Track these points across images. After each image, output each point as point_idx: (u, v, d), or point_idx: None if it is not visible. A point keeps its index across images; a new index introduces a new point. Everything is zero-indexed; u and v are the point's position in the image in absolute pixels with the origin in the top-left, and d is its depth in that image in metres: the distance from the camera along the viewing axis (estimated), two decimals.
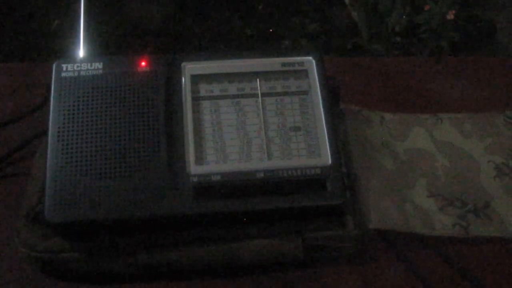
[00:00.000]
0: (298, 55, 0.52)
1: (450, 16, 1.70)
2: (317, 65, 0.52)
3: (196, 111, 0.49)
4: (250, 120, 0.50)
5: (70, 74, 0.49)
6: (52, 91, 0.49)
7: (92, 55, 0.54)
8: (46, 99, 0.49)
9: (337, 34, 1.84)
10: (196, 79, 0.51)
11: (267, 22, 1.85)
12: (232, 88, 0.51)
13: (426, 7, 1.72)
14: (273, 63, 0.52)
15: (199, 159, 0.48)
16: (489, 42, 1.77)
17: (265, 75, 0.51)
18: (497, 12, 1.82)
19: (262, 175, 0.47)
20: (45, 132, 0.49)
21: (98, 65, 0.50)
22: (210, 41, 1.70)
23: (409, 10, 1.75)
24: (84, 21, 0.56)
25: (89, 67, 0.50)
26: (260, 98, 0.50)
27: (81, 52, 0.54)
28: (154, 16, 1.69)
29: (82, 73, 0.49)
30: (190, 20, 1.77)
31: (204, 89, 0.50)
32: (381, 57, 1.61)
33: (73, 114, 0.48)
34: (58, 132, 0.47)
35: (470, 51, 1.73)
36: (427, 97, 0.68)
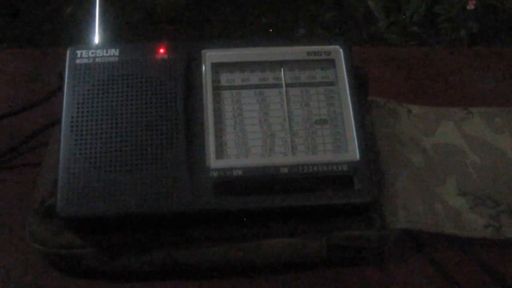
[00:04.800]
0: (325, 43, 0.49)
1: (470, 6, 1.67)
2: (344, 54, 0.49)
3: (217, 101, 0.47)
4: (274, 112, 0.47)
5: (85, 61, 0.47)
6: (66, 79, 0.47)
7: (108, 41, 0.52)
8: (60, 87, 0.47)
9: (353, 23, 1.82)
10: (217, 67, 0.48)
11: (283, 10, 1.83)
12: (255, 78, 0.48)
13: None
14: (298, 51, 0.49)
15: (220, 153, 0.45)
16: (509, 33, 1.74)
17: (290, 64, 0.49)
18: None
19: (286, 170, 0.45)
20: (58, 121, 0.47)
21: (114, 52, 0.48)
22: (225, 29, 1.68)
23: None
24: (100, 6, 0.54)
25: (104, 54, 0.48)
26: (284, 89, 0.48)
27: (96, 38, 0.52)
28: (169, 4, 1.67)
29: (98, 60, 0.47)
30: (205, 8, 1.75)
31: (225, 78, 0.48)
32: (400, 46, 1.58)
33: (88, 103, 0.45)
34: (72, 121, 0.45)
35: (489, 42, 1.69)
36: (456, 89, 0.65)
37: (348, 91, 0.48)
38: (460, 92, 0.65)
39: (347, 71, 0.48)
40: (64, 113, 0.45)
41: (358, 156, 0.45)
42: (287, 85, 0.48)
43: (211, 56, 0.48)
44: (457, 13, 1.69)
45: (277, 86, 0.48)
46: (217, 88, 0.48)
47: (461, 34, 1.68)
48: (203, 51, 0.48)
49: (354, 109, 0.47)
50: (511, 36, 1.72)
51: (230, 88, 0.48)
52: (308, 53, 0.49)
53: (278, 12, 1.82)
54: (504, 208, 0.50)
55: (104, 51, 0.48)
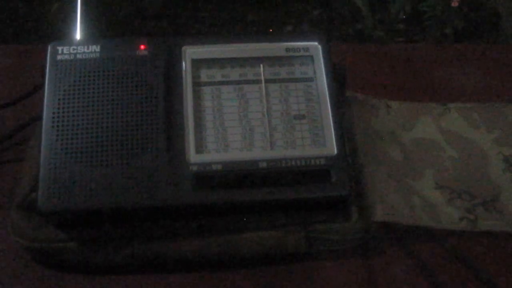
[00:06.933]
0: (303, 40, 0.50)
1: (455, 3, 1.68)
2: (323, 50, 0.50)
3: (197, 97, 0.48)
4: (253, 107, 0.48)
5: (66, 57, 0.48)
6: (47, 75, 0.47)
7: (90, 38, 0.52)
8: (42, 83, 0.48)
9: (340, 20, 1.82)
10: (197, 63, 0.49)
11: (270, 7, 1.83)
12: (235, 74, 0.49)
13: None
14: (277, 48, 0.50)
15: (199, 147, 0.46)
16: (493, 30, 1.75)
17: (269, 60, 0.49)
18: (501, 0, 1.79)
19: (264, 164, 0.45)
20: (40, 117, 0.47)
21: (96, 48, 0.48)
22: (211, 26, 1.68)
23: None
24: (82, 3, 0.54)
25: (85, 50, 0.48)
26: (263, 85, 0.49)
27: (78, 34, 0.52)
28: (157, 0, 1.67)
29: (79, 56, 0.48)
30: (191, 4, 1.74)
31: (205, 74, 0.49)
32: (386, 43, 1.59)
33: (69, 98, 0.46)
34: (53, 117, 0.45)
35: (474, 39, 1.71)
36: (435, 85, 0.66)
37: (326, 86, 0.48)
38: (441, 88, 0.66)
39: (325, 67, 0.49)
40: (45, 109, 0.46)
41: (335, 150, 0.46)
42: (266, 81, 0.49)
43: (192, 52, 0.49)
44: (442, 11, 1.70)
45: (256, 82, 0.49)
46: (197, 84, 0.48)
47: (446, 31, 1.70)
48: (183, 48, 0.49)
49: (332, 105, 0.48)
50: (496, 33, 1.74)
51: (210, 84, 0.48)
52: (287, 50, 0.50)
53: (265, 9, 1.82)
54: (479, 201, 0.51)
55: (85, 47, 0.48)
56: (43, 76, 0.47)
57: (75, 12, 0.54)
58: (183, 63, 0.48)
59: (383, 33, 1.72)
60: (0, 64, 0.66)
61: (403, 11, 1.74)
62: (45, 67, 0.47)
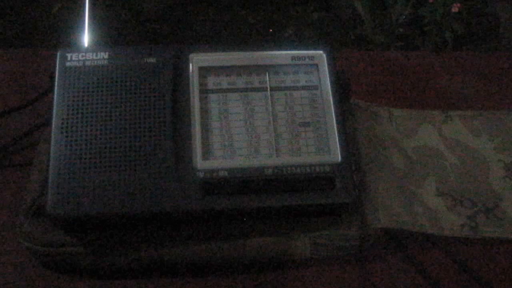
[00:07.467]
0: (309, 48, 0.51)
1: (455, 9, 1.69)
2: (328, 59, 0.50)
3: (204, 104, 0.48)
4: (259, 114, 0.49)
5: (75, 63, 0.48)
6: (56, 81, 0.47)
7: (97, 44, 0.53)
8: (50, 88, 0.48)
9: (340, 24, 1.83)
10: (204, 71, 0.49)
11: (270, 10, 1.84)
12: (241, 81, 0.50)
13: None
14: (282, 56, 0.50)
15: (206, 154, 0.47)
16: (493, 36, 1.76)
17: (275, 68, 0.50)
18: (501, 6, 1.80)
19: (270, 171, 0.46)
20: (47, 122, 0.47)
21: (104, 55, 0.49)
22: (212, 28, 1.69)
23: (413, 2, 1.74)
24: (89, 10, 0.55)
25: (94, 57, 0.49)
26: (269, 92, 0.49)
27: (85, 41, 0.53)
28: (156, 3, 1.67)
29: (87, 63, 0.48)
30: (193, 7, 1.75)
31: (212, 81, 0.49)
32: (387, 50, 1.59)
33: (78, 105, 0.46)
34: (62, 123, 0.46)
35: (473, 44, 1.72)
36: (437, 93, 0.67)
37: (330, 95, 0.49)
38: (442, 95, 0.67)
39: (330, 75, 0.50)
40: (54, 115, 0.46)
41: (339, 158, 0.47)
42: (272, 89, 0.50)
43: (199, 60, 0.50)
44: (441, 16, 1.71)
45: (262, 89, 0.49)
46: (204, 91, 0.49)
47: (446, 36, 1.71)
48: (190, 55, 0.50)
49: (336, 113, 0.49)
50: (496, 38, 1.75)
51: (216, 91, 0.49)
52: (293, 58, 0.50)
53: (265, 12, 1.83)
54: (481, 208, 0.52)
55: (94, 54, 0.49)
56: (51, 81, 0.48)
57: (81, 17, 0.54)
58: (190, 70, 0.49)
59: (383, 38, 1.73)
60: (6, 68, 0.67)
61: (403, 15, 1.75)
62: (54, 73, 0.48)
